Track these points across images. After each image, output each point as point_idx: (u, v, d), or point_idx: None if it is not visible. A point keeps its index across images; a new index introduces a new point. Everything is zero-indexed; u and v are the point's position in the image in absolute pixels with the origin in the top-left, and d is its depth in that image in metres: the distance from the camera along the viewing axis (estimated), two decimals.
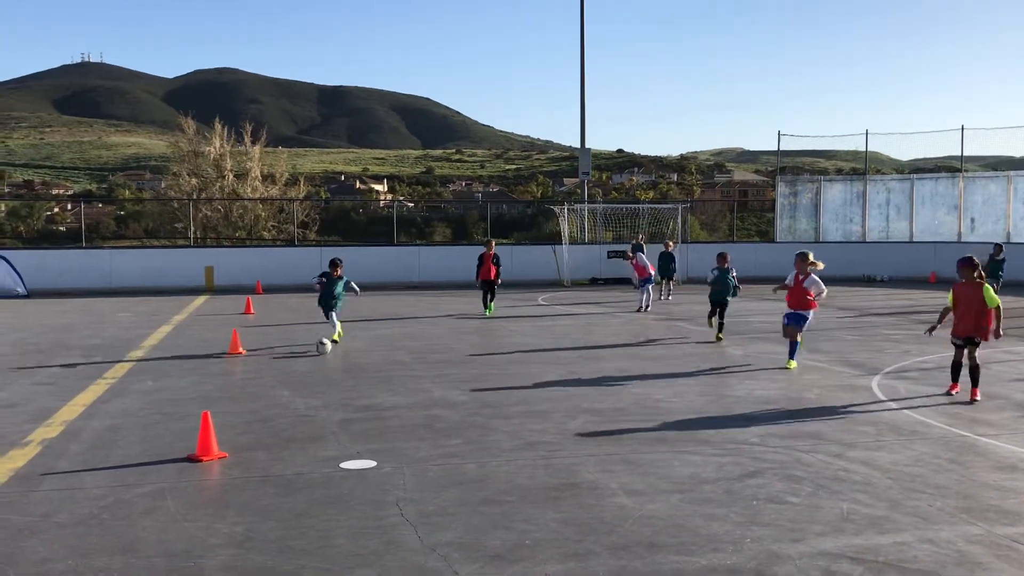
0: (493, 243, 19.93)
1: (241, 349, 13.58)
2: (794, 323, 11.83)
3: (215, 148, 43.93)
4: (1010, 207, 29.19)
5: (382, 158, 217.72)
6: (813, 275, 11.68)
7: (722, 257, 14.98)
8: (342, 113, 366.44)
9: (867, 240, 31.66)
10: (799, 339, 11.92)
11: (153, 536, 5.55)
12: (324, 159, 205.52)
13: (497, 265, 19.18)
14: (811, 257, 11.76)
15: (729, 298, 14.80)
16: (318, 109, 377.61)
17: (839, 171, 44.85)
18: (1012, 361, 12.71)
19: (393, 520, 5.83)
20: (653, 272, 20.70)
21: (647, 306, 20.11)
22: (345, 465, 7.17)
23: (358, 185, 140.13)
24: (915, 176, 33.02)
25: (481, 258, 19.21)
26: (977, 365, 9.82)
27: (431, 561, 5.12)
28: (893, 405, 9.54)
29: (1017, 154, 34.43)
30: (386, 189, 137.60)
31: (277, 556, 5.21)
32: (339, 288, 14.51)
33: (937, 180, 31.73)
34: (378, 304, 21.78)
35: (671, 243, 23.78)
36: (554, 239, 31.68)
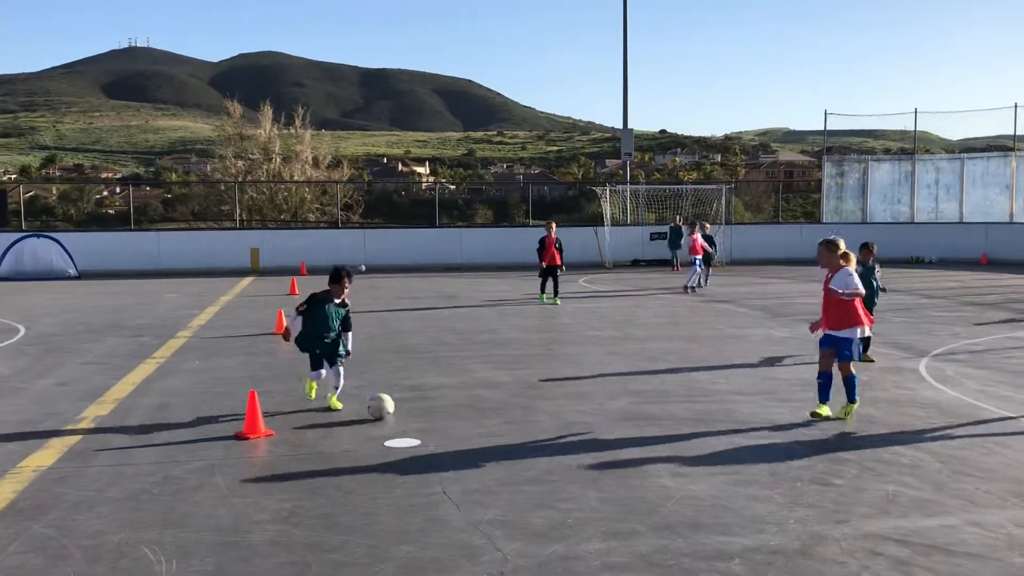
0: (554, 225, 18.36)
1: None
2: (833, 348, 8.07)
3: (264, 131, 44.36)
4: None
5: (424, 140, 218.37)
6: (844, 272, 8.07)
7: (867, 249, 11.08)
8: (384, 96, 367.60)
9: (915, 221, 31.09)
10: (851, 370, 8.06)
11: (202, 511, 5.67)
12: (367, 142, 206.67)
13: (560, 250, 17.73)
14: (842, 246, 8.19)
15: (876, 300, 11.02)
16: (360, 92, 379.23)
17: (887, 151, 44.09)
18: None
19: (436, 498, 5.88)
20: (708, 251, 20.71)
21: (697, 284, 20.00)
22: (390, 444, 7.25)
23: (400, 168, 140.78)
24: (965, 156, 32.31)
25: (543, 242, 17.70)
26: None
27: (474, 538, 5.17)
28: (942, 388, 9.40)
29: None
30: (428, 171, 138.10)
31: (323, 532, 5.29)
32: (336, 320, 8.47)
33: (989, 159, 31.02)
34: (423, 285, 21.92)
35: (679, 218, 25.26)
36: (596, 221, 31.59)
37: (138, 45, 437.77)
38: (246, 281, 23.84)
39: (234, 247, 27.87)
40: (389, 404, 8.11)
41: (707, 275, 21.29)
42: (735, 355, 11.56)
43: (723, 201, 30.28)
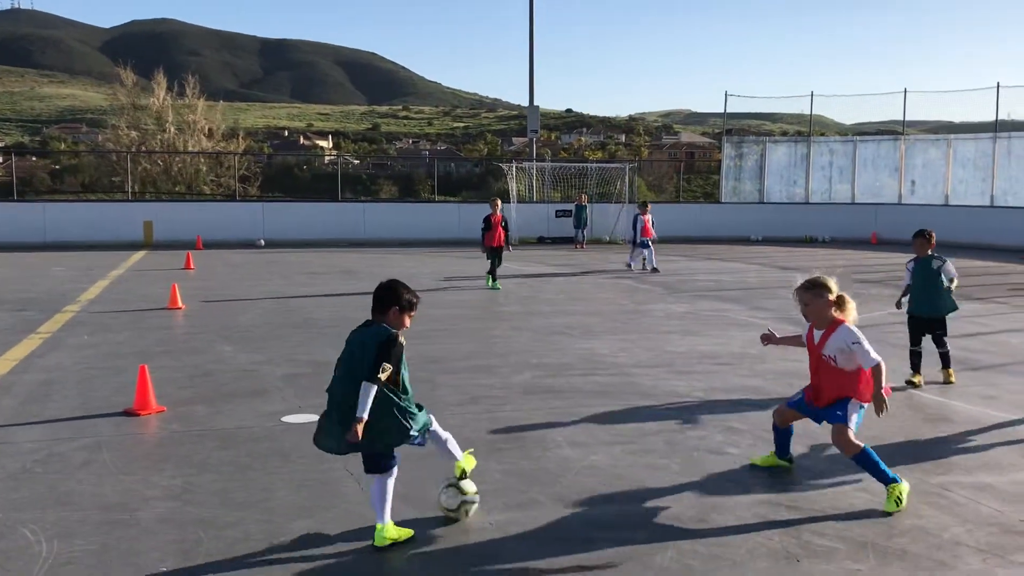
0: (499, 202, 17.27)
1: (180, 304, 13.31)
2: (830, 419, 5.44)
3: (158, 100, 42.80)
4: (949, 171, 29.79)
5: (326, 114, 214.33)
6: (846, 331, 5.39)
7: (924, 238, 8.68)
8: (285, 67, 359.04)
9: (810, 202, 32.10)
10: (855, 442, 5.31)
11: (88, 489, 5.43)
12: (267, 114, 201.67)
13: (506, 229, 16.67)
14: (833, 287, 5.54)
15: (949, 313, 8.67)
16: (260, 63, 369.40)
17: (784, 133, 45.30)
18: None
19: (336, 474, 5.77)
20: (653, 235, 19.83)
21: (643, 267, 19.44)
22: (287, 419, 7.09)
23: (302, 141, 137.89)
24: (858, 138, 33.50)
25: (487, 221, 16.41)
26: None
27: (373, 512, 5.08)
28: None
29: (957, 119, 35.08)
30: (331, 145, 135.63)
31: (217, 508, 5.13)
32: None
33: (879, 143, 32.24)
34: (325, 260, 21.54)
35: (584, 196, 25.45)
36: (502, 198, 31.55)
37: (22, 7, 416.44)
38: (139, 255, 22.99)
39: (126, 220, 26.80)
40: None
41: (652, 258, 19.59)
42: (636, 330, 11.72)
43: (626, 180, 30.65)
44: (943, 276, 8.54)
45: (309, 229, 27.76)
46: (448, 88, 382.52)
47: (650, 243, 19.56)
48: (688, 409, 7.52)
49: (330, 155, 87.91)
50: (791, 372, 9.10)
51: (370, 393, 4.50)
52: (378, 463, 4.69)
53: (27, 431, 6.69)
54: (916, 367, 8.60)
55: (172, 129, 42.42)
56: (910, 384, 8.44)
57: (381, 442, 4.63)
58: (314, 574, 4.32)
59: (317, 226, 27.90)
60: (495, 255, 16.36)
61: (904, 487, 5.24)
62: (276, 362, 9.33)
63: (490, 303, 14.25)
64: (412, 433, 4.71)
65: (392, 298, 4.82)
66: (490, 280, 16.25)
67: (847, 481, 5.72)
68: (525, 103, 34.24)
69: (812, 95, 31.80)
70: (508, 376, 8.73)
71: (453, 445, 5.06)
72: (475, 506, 5.00)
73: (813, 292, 5.51)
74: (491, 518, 5.02)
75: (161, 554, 4.50)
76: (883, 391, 5.24)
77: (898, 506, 5.15)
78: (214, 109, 47.34)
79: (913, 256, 8.82)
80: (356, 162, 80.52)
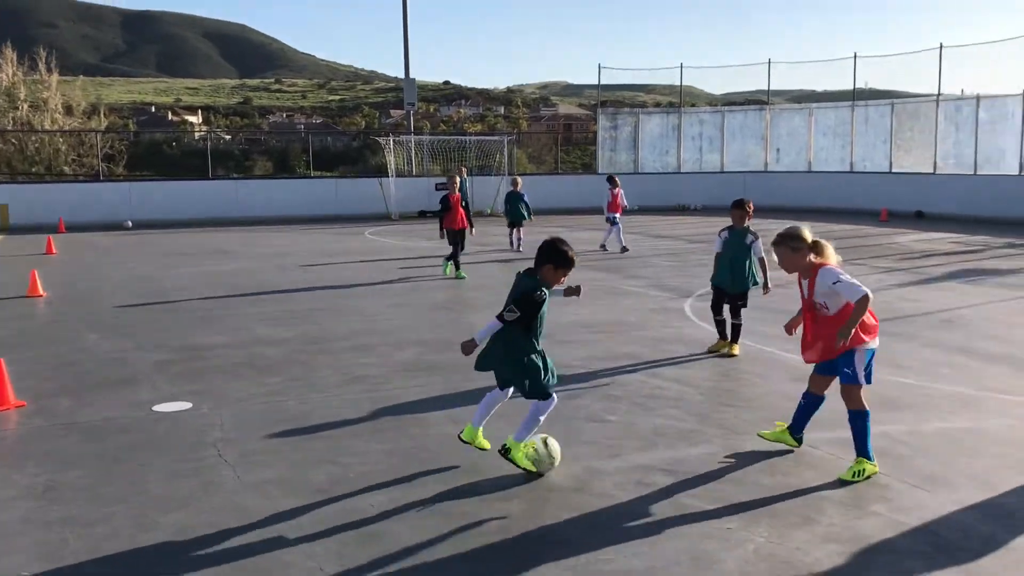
0: (457, 179, 15.19)
1: (41, 291, 12.65)
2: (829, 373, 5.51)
3: (7, 76, 40.25)
4: (811, 138, 31.08)
5: (195, 88, 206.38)
6: (828, 272, 5.31)
7: (743, 209, 8.84)
8: (150, 40, 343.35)
9: (682, 171, 32.94)
10: (861, 401, 5.32)
11: None
12: (132, 89, 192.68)
13: (467, 208, 15.10)
14: (806, 235, 5.41)
15: (751, 287, 8.82)
16: (123, 35, 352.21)
17: (657, 105, 46.32)
18: None
19: (211, 462, 5.62)
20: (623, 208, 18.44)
21: (622, 246, 17.73)
22: (158, 408, 6.85)
23: (170, 117, 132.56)
24: (726, 109, 34.52)
25: (445, 201, 14.50)
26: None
27: (250, 499, 4.99)
28: (704, 326, 10.04)
29: (819, 88, 36.58)
30: (200, 121, 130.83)
31: (85, 505, 4.92)
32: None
33: (746, 113, 33.33)
34: (197, 241, 20.82)
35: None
36: (381, 172, 31.15)
37: None
38: None
39: None
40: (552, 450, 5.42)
41: (619, 235, 17.94)
42: None
43: (505, 153, 30.73)
44: (752, 253, 8.63)
45: (180, 209, 26.77)
46: (323, 60, 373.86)
47: (617, 219, 18.02)
48: (567, 379, 7.64)
49: (200, 131, 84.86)
50: (668, 339, 9.36)
51: (492, 326, 5.24)
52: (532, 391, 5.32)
53: None
54: (722, 334, 8.78)
55: (25, 107, 40.02)
56: (713, 352, 8.62)
57: (516, 377, 5.32)
58: (188, 567, 4.20)
59: (188, 205, 26.93)
60: (457, 239, 14.39)
61: (872, 468, 5.27)
62: (146, 348, 8.99)
63: (370, 279, 14.09)
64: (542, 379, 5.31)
65: (547, 255, 5.30)
66: (448, 267, 14.53)
67: (713, 439, 5.93)
68: (402, 75, 33.79)
69: (682, 67, 32.55)
70: (389, 354, 8.66)
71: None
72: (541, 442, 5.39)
73: (785, 246, 5.41)
74: (371, 499, 4.99)
75: (24, 557, 4.29)
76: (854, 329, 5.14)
77: (853, 478, 5.20)
78: (71, 84, 44.91)
79: (729, 225, 8.82)
80: (228, 137, 77.93)
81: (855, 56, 29.52)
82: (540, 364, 5.30)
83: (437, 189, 29.52)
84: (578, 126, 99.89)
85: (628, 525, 4.63)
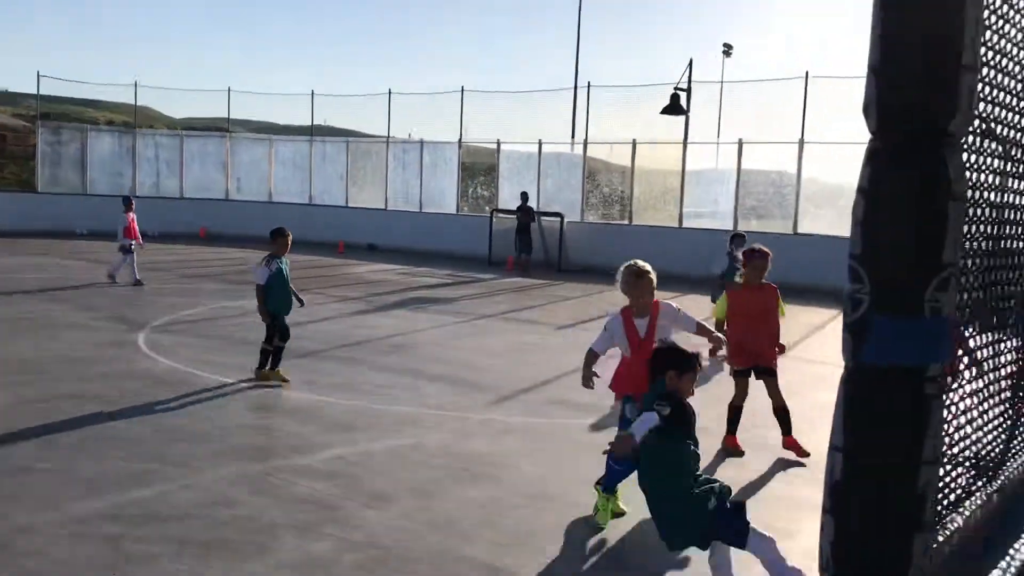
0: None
1: None
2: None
3: None
4: (272, 169, 31.62)
5: None
6: (665, 303, 5.30)
7: (284, 237, 9.00)
8: None
9: (139, 195, 31.17)
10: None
11: None
12: None
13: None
14: (646, 268, 5.25)
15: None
16: None
17: (111, 123, 43.34)
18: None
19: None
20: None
21: (136, 278, 15.76)
22: None
23: None
24: (185, 133, 33.59)
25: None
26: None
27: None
28: (159, 358, 9.53)
29: (281, 121, 37.34)
30: None
31: None
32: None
33: (207, 139, 32.77)
34: None
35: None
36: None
37: None
38: None
39: None
40: None
41: (131, 266, 15.98)
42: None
43: None
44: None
45: None
46: None
47: (133, 247, 15.96)
48: None
49: None
50: (118, 373, 8.69)
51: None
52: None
53: None
54: (263, 364, 8.62)
55: None
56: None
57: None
58: None
59: None
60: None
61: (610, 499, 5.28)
62: None
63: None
64: None
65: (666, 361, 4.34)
66: None
67: (169, 478, 5.62)
68: None
69: (136, 84, 30.96)
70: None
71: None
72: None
73: (648, 278, 5.19)
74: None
75: None
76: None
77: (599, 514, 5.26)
78: None
79: (270, 253, 8.78)
80: None
81: (312, 93, 30.81)
82: None
83: None
84: (15, 139, 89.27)
85: None
